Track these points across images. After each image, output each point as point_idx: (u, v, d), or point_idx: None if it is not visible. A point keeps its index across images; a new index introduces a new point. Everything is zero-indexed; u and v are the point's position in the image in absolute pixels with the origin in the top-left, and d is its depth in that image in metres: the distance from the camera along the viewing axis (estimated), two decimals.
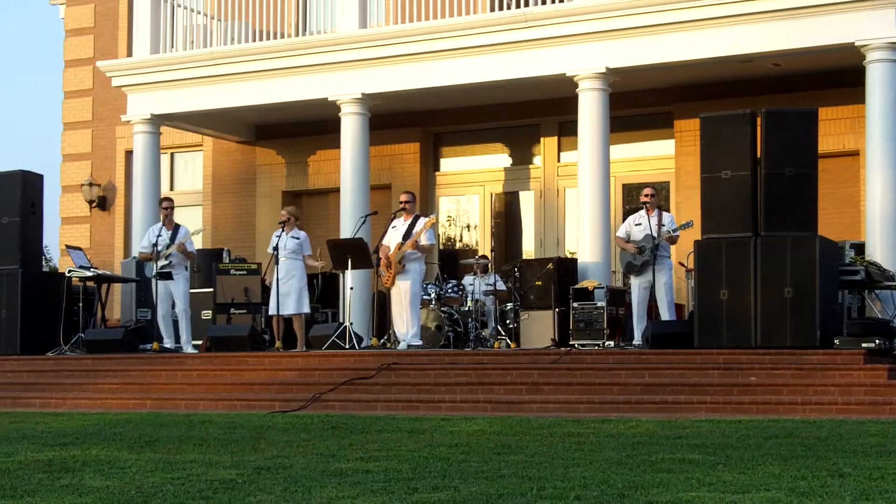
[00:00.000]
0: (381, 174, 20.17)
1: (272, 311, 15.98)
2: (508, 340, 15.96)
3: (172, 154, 22.63)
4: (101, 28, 23.15)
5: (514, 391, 13.14)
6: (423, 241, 15.28)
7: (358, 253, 15.53)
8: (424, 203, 20.00)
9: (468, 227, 20.75)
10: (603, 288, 15.56)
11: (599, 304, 15.31)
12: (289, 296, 15.89)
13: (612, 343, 15.08)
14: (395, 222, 15.60)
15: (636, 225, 15.15)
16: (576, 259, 16.84)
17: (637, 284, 15.07)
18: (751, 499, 6.34)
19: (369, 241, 16.45)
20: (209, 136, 21.80)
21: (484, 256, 18.13)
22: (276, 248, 15.95)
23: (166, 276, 16.04)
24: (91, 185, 22.63)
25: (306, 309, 16.26)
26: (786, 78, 17.62)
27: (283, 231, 16.07)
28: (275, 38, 19.29)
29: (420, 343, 15.33)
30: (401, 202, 15.63)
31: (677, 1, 16.16)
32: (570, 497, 6.42)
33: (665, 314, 14.97)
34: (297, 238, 16.15)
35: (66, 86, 23.40)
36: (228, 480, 7.31)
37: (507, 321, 16.44)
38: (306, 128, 20.93)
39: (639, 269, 14.96)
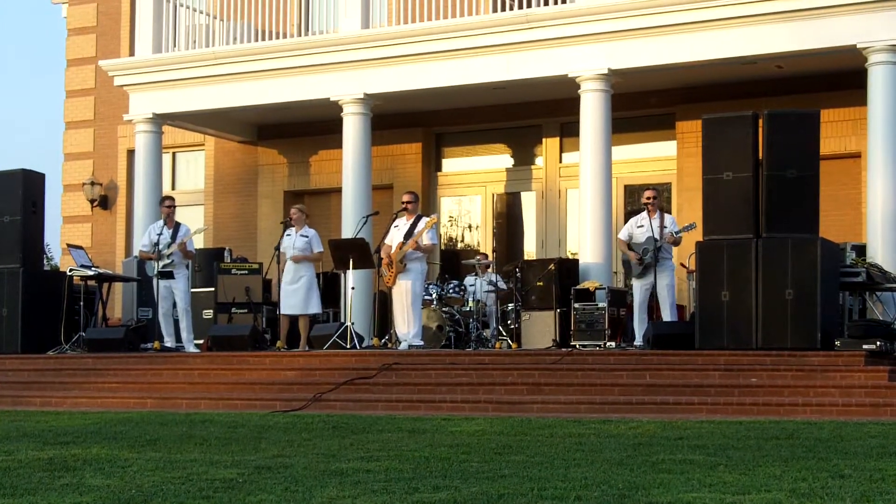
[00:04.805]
0: (382, 174, 20.17)
1: (282, 310, 16.04)
2: (509, 341, 15.97)
3: (174, 153, 22.64)
4: (103, 27, 23.16)
5: (516, 391, 13.14)
6: (425, 240, 15.26)
7: (359, 253, 15.53)
8: (426, 203, 20.01)
9: (470, 227, 20.76)
10: (604, 289, 15.56)
11: (601, 304, 15.31)
12: (296, 295, 15.91)
13: (613, 344, 15.08)
14: (397, 222, 15.60)
15: (638, 227, 15.13)
16: (577, 260, 16.84)
17: (639, 286, 15.07)
18: (751, 500, 6.33)
19: (371, 242, 16.45)
20: (211, 135, 21.81)
21: (484, 255, 18.18)
22: (277, 248, 16.00)
23: (168, 275, 16.04)
24: (93, 184, 22.64)
25: (313, 309, 16.24)
26: (788, 80, 17.62)
27: (293, 229, 16.12)
28: (277, 38, 19.29)
29: (421, 343, 15.33)
30: (403, 202, 15.63)
31: (680, 3, 16.16)
32: (571, 497, 6.42)
33: (667, 315, 14.97)
34: (307, 237, 16.16)
35: (68, 85, 23.41)
36: (229, 480, 7.32)
37: (509, 321, 16.44)
38: (308, 128, 20.94)
39: (640, 272, 14.95)
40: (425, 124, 20.53)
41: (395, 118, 19.79)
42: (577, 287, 15.69)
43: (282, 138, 21.52)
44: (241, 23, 19.51)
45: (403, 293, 15.23)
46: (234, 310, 17.14)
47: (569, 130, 19.20)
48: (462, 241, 20.90)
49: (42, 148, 63.71)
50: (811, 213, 13.44)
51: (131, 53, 21.43)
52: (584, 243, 16.77)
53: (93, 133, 23.02)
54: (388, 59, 18.04)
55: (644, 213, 15.17)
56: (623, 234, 15.39)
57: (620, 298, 15.83)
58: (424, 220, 15.38)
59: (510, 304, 16.58)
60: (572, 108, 17.37)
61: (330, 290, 18.19)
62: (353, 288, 15.75)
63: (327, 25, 19.51)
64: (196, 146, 22.44)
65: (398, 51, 17.95)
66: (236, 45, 19.12)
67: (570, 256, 18.36)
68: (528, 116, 19.85)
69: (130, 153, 21.88)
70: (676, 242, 15.03)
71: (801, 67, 17.14)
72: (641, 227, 15.07)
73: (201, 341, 16.57)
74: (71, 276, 17.14)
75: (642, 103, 18.76)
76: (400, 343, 15.35)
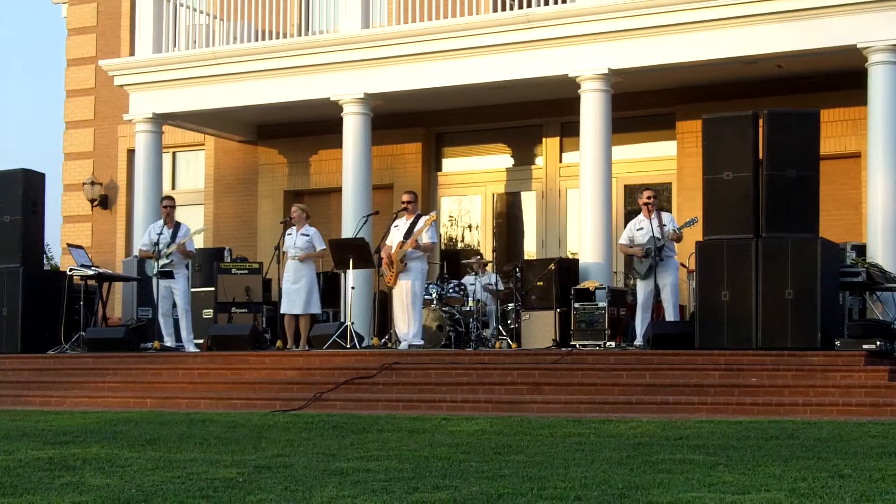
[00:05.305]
0: (382, 174, 20.17)
1: (283, 309, 16.05)
2: (509, 340, 15.96)
3: (174, 153, 22.63)
4: (103, 27, 23.16)
5: (515, 391, 13.14)
6: (425, 239, 15.26)
7: (359, 252, 15.53)
8: (426, 203, 20.01)
9: (470, 227, 20.76)
10: (604, 288, 15.55)
11: (601, 304, 15.30)
12: (298, 295, 15.92)
13: (613, 343, 15.08)
14: (397, 222, 15.60)
15: (638, 229, 15.09)
16: (577, 260, 16.83)
17: (642, 285, 15.04)
18: (751, 500, 6.33)
19: (371, 242, 16.45)
20: (211, 135, 21.81)
21: (480, 256, 18.20)
22: (277, 247, 16.00)
23: (167, 274, 16.05)
24: (93, 183, 22.64)
25: (314, 309, 16.24)
26: (788, 79, 17.62)
27: (293, 229, 16.14)
28: (277, 37, 19.29)
29: (421, 343, 15.32)
30: (402, 202, 15.63)
31: (680, 2, 16.15)
32: (571, 497, 6.42)
33: (670, 315, 14.95)
34: (307, 235, 16.16)
35: (68, 84, 23.41)
36: (229, 479, 7.32)
37: (509, 321, 16.44)
38: (308, 127, 20.93)
39: (646, 272, 14.92)
40: (425, 124, 20.52)
41: (395, 118, 19.78)
42: (577, 287, 15.68)
43: (282, 138, 21.51)
44: (242, 23, 19.50)
45: (404, 293, 15.23)
46: (234, 309, 17.14)
47: (569, 130, 19.19)
48: (462, 240, 20.89)
49: (42, 148, 63.69)
50: (811, 213, 13.44)
51: (131, 53, 21.43)
52: (584, 243, 16.77)
53: (93, 133, 23.02)
54: (389, 59, 18.04)
55: (641, 215, 15.15)
56: (624, 239, 15.35)
57: (620, 298, 15.83)
58: (424, 219, 15.37)
59: (510, 304, 16.58)
60: (572, 107, 17.37)
61: (330, 289, 18.20)
62: (353, 288, 15.75)
63: (327, 25, 19.50)
64: (196, 146, 22.44)
65: (398, 51, 17.94)
66: (236, 45, 19.11)
67: (570, 256, 18.35)
68: (528, 116, 19.85)
69: (130, 153, 21.88)
70: (679, 238, 15.01)
71: (801, 67, 17.14)
72: (641, 230, 15.04)
73: (201, 341, 16.57)
74: (71, 276, 17.15)
75: (642, 103, 18.75)
76: (400, 343, 15.35)
